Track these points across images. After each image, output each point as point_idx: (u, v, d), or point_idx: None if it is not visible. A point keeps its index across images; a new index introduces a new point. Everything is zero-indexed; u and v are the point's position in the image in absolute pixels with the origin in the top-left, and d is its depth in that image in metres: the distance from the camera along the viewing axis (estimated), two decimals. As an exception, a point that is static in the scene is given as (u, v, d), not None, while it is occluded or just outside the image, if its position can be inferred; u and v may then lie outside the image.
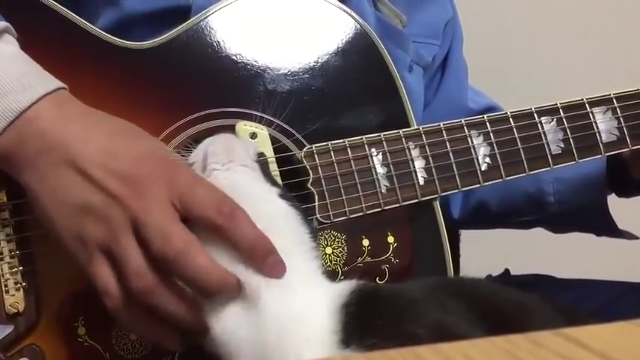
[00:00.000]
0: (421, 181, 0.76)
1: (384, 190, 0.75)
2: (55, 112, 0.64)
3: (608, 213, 0.92)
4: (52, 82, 0.66)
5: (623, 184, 0.92)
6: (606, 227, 0.94)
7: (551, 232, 1.02)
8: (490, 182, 0.78)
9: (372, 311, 0.55)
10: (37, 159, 0.63)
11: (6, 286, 0.68)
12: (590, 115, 0.80)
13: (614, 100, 0.81)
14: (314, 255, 0.61)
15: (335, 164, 0.75)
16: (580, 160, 0.80)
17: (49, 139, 0.63)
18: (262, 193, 0.62)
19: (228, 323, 0.57)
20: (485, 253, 1.24)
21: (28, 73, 0.65)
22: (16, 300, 0.67)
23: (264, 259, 0.57)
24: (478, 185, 0.78)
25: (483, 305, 0.59)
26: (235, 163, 0.62)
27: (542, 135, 0.79)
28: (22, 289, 0.68)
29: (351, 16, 0.78)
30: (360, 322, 0.54)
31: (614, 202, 0.94)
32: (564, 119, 0.79)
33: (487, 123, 0.78)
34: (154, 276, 0.58)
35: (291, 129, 0.75)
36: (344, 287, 0.58)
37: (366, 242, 0.75)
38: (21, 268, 0.68)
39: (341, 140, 0.75)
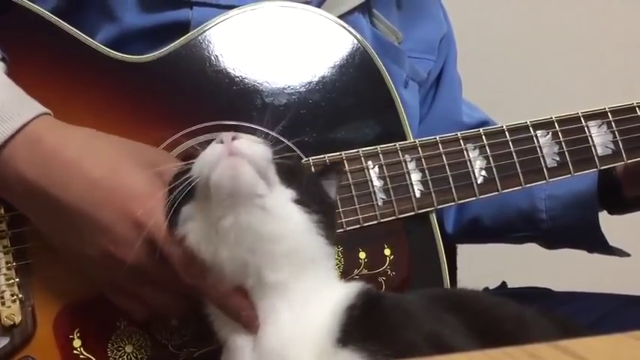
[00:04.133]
0: (417, 194, 0.77)
1: (380, 203, 0.75)
2: (31, 152, 0.64)
3: (599, 230, 0.92)
4: (30, 111, 0.65)
5: (615, 202, 0.93)
6: (598, 244, 0.94)
7: (545, 248, 1.02)
8: (486, 195, 0.78)
9: (374, 317, 0.56)
10: (23, 201, 0.66)
11: (2, 297, 0.68)
12: (586, 128, 0.81)
13: (609, 114, 0.81)
14: (327, 260, 0.61)
15: (332, 177, 0.75)
16: (575, 174, 0.80)
17: (27, 185, 0.64)
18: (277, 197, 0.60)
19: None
20: (482, 266, 1.24)
21: (8, 101, 0.65)
22: (12, 312, 0.67)
23: (238, 317, 0.59)
24: (474, 198, 0.78)
25: (482, 319, 0.59)
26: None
27: (538, 148, 0.79)
28: (18, 301, 0.68)
29: (349, 32, 0.79)
30: (361, 326, 0.55)
31: (607, 219, 0.94)
32: (560, 133, 0.80)
33: (483, 136, 0.79)
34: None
35: (288, 142, 0.75)
36: (351, 290, 0.59)
37: (362, 255, 0.75)
38: (17, 279, 0.68)
39: (338, 153, 0.75)
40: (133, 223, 0.62)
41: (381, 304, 0.58)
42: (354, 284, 0.61)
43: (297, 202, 0.58)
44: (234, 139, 0.57)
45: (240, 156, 0.56)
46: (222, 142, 0.57)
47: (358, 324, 0.55)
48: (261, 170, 0.57)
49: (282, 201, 0.57)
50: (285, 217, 0.57)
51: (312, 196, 0.60)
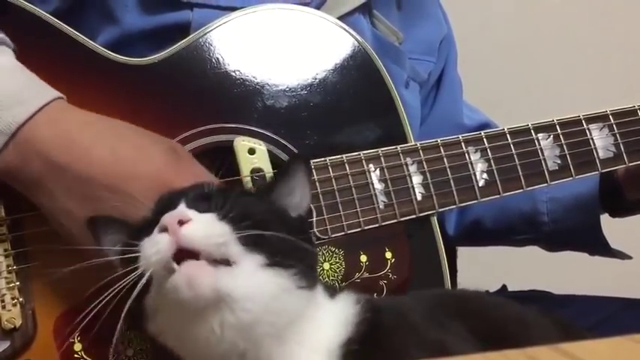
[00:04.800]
0: (419, 197, 0.76)
1: (381, 206, 0.75)
2: (52, 130, 0.64)
3: (600, 233, 0.92)
4: (47, 94, 0.66)
5: (616, 205, 0.92)
6: (599, 247, 0.94)
7: (546, 251, 1.02)
8: (488, 198, 0.78)
9: (374, 346, 0.52)
10: (43, 180, 0.64)
11: (2, 301, 0.67)
12: (587, 131, 0.81)
13: (611, 117, 0.81)
14: (313, 300, 0.54)
15: (333, 180, 0.75)
16: (577, 177, 0.80)
17: (50, 161, 0.64)
18: (243, 274, 0.51)
19: None
20: (483, 269, 1.24)
21: (24, 85, 0.66)
22: (12, 315, 0.67)
23: None
24: (475, 201, 0.78)
25: (485, 322, 0.59)
26: None
27: (539, 151, 0.79)
28: (18, 305, 0.68)
29: (350, 34, 0.79)
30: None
31: (607, 221, 0.94)
32: (561, 136, 0.80)
33: (484, 139, 0.79)
34: None
35: (289, 144, 0.75)
36: (345, 315, 0.54)
37: (363, 258, 0.75)
38: (18, 283, 0.68)
39: (339, 156, 0.75)
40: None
41: (380, 328, 0.53)
42: (346, 304, 0.55)
43: (269, 265, 0.50)
44: (180, 223, 0.49)
45: (191, 249, 0.48)
46: (165, 228, 0.49)
47: (359, 358, 0.51)
48: (220, 256, 0.49)
49: (249, 276, 0.49)
50: (257, 292, 0.50)
51: (285, 243, 0.51)
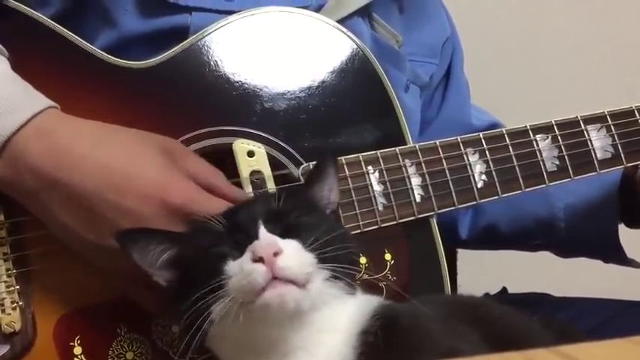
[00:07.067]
0: (418, 199, 0.77)
1: (380, 208, 0.75)
2: (43, 143, 0.64)
3: (618, 242, 0.90)
4: (38, 103, 0.65)
5: (635, 216, 0.90)
6: (615, 255, 0.92)
7: (559, 257, 1.01)
8: (486, 199, 0.79)
9: (390, 342, 0.55)
10: (37, 194, 0.64)
11: (2, 305, 0.67)
12: (585, 132, 0.81)
13: (609, 118, 0.81)
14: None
15: (332, 182, 0.75)
16: (575, 178, 0.80)
17: (43, 176, 0.63)
18: (316, 291, 0.57)
19: None
20: (483, 271, 1.24)
21: (16, 94, 0.65)
22: (12, 319, 0.67)
23: None
24: (474, 202, 0.78)
25: (496, 330, 0.59)
26: None
27: (538, 152, 0.80)
28: (18, 308, 0.68)
29: (349, 37, 0.79)
30: (377, 353, 0.54)
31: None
32: (559, 137, 0.80)
33: (482, 140, 0.79)
34: None
35: (288, 147, 0.75)
36: (365, 309, 0.58)
37: (363, 260, 0.75)
38: (18, 287, 0.68)
39: (337, 158, 0.75)
40: (158, 206, 0.62)
41: (396, 326, 0.56)
42: (367, 300, 0.60)
43: (332, 277, 0.57)
44: (275, 254, 0.54)
45: (285, 279, 0.54)
46: (260, 258, 0.54)
47: (373, 352, 0.54)
48: (304, 281, 0.55)
49: (318, 291, 0.56)
50: (320, 303, 0.56)
51: (340, 258, 0.57)
